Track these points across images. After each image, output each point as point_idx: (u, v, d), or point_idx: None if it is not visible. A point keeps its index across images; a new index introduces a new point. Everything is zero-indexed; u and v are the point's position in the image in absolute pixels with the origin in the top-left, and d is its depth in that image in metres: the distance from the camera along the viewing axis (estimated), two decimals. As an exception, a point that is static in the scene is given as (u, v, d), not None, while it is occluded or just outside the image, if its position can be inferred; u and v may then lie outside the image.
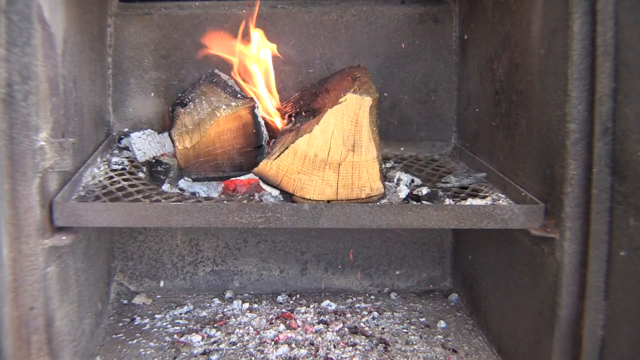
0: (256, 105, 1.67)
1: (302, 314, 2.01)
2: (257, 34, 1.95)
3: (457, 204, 1.58)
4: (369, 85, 1.59)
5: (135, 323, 1.93)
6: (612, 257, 1.34)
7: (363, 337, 1.87)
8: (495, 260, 1.82)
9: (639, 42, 1.26)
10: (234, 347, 1.80)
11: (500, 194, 1.64)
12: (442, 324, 1.97)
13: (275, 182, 1.55)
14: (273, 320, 1.96)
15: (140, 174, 1.74)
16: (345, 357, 1.75)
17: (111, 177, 1.68)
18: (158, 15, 2.05)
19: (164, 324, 1.93)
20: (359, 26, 2.10)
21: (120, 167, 1.78)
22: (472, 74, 1.99)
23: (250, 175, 1.66)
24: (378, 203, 1.55)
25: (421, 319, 2.00)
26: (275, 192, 1.57)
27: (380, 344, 1.83)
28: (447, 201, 1.62)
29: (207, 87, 1.77)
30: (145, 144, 1.90)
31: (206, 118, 1.63)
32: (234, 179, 1.72)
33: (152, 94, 2.08)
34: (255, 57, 1.94)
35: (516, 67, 1.64)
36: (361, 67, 1.82)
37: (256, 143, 1.67)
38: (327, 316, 2.00)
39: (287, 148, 1.52)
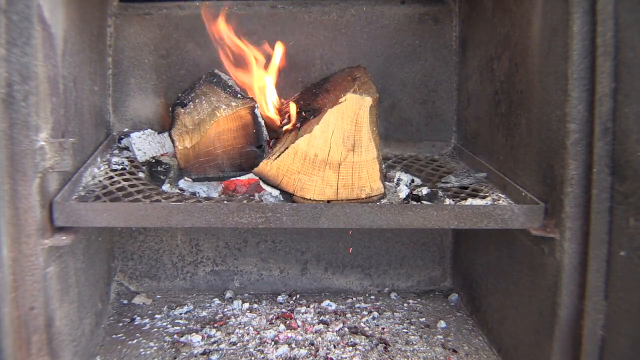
0: (256, 105, 1.67)
1: (302, 314, 2.01)
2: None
3: (457, 204, 1.58)
4: (369, 85, 1.59)
5: (135, 323, 1.93)
6: (612, 257, 1.34)
7: (363, 337, 1.87)
8: (495, 260, 1.82)
9: (639, 42, 1.26)
10: (234, 347, 1.80)
11: (500, 194, 1.64)
12: (442, 324, 1.97)
13: (276, 182, 1.55)
14: (273, 320, 1.96)
15: (140, 174, 1.74)
16: (345, 357, 1.75)
17: (111, 177, 1.68)
18: (158, 15, 2.05)
19: (164, 324, 1.93)
20: (359, 26, 2.10)
21: (120, 167, 1.78)
22: (472, 74, 1.99)
23: (250, 175, 1.66)
24: (378, 203, 1.55)
25: (421, 319, 2.00)
26: (276, 192, 1.57)
27: (380, 344, 1.83)
28: (447, 201, 1.62)
29: (207, 87, 1.77)
30: (145, 144, 1.90)
31: (206, 118, 1.63)
32: (234, 179, 1.72)
33: (152, 94, 2.08)
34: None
35: (516, 67, 1.64)
36: (361, 67, 1.82)
37: (256, 143, 1.67)
38: (327, 316, 1.99)
39: (287, 148, 1.52)
